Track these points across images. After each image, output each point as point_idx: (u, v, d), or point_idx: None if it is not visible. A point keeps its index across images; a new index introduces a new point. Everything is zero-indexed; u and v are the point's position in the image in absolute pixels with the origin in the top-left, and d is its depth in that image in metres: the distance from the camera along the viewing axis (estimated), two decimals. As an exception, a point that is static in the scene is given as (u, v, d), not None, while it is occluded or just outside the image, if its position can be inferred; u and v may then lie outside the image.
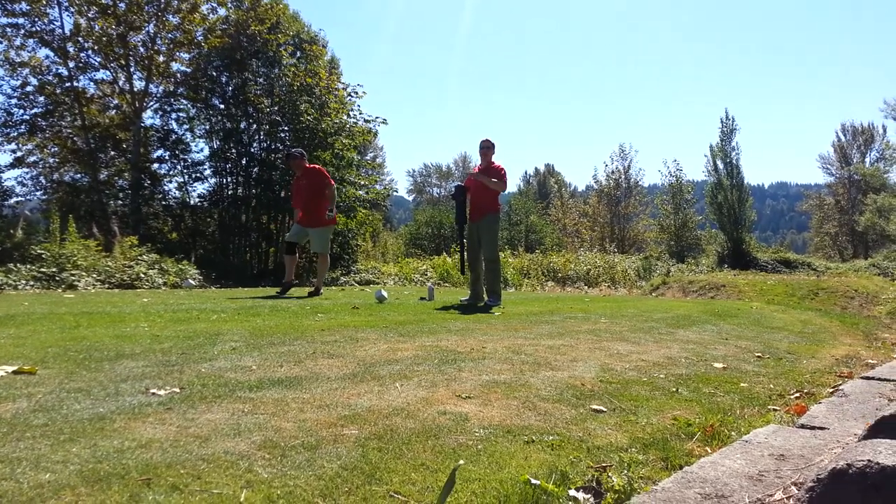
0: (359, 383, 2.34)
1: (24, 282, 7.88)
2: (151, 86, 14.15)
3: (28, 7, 12.59)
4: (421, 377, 2.49)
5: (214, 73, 14.56)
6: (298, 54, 15.40)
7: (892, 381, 2.77)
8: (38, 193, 14.87)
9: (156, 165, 15.09)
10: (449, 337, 3.65)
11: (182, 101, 14.75)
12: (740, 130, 27.32)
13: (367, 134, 15.06)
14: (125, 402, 1.91)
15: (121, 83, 14.14)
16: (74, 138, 14.25)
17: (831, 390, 2.72)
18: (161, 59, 13.97)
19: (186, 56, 14.38)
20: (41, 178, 14.97)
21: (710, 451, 1.77)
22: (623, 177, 38.51)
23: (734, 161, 26.98)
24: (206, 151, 15.15)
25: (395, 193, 43.95)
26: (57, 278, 8.28)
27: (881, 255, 26.49)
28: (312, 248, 7.29)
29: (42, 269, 8.31)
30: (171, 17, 13.65)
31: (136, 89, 13.86)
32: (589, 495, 1.41)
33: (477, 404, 2.12)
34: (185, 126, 15.06)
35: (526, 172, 67.62)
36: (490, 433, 1.80)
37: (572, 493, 1.40)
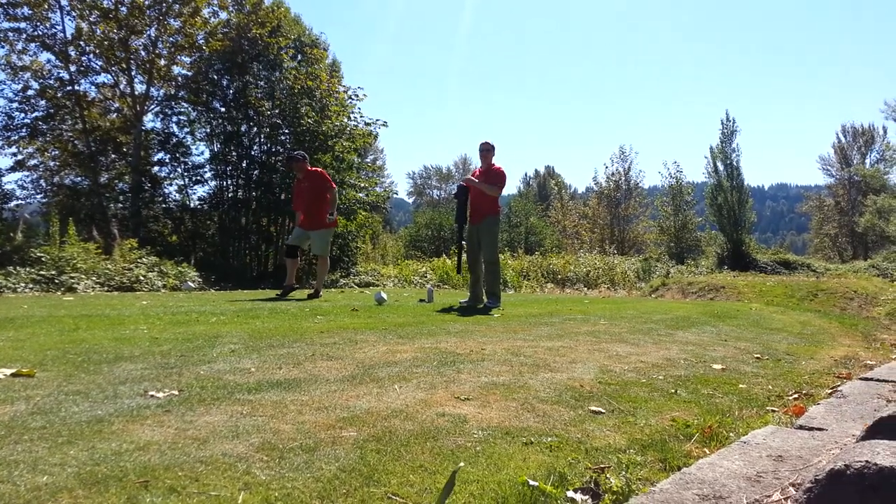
0: (357, 385, 2.34)
1: (23, 285, 7.88)
2: (152, 89, 14.20)
3: (30, 11, 12.63)
4: (420, 379, 2.49)
5: (215, 77, 14.60)
6: (299, 57, 15.44)
7: (891, 382, 2.77)
8: (38, 196, 14.93)
9: (156, 168, 15.14)
10: (448, 339, 3.65)
11: (183, 104, 14.79)
12: (741, 132, 27.36)
13: (367, 136, 15.09)
14: (123, 405, 1.92)
15: (122, 87, 14.19)
16: (75, 142, 14.28)
17: (830, 391, 2.72)
18: (162, 62, 14.01)
19: (188, 59, 14.43)
20: (41, 182, 15.02)
21: (708, 452, 1.77)
22: (623, 178, 38.50)
23: (734, 163, 26.98)
24: (207, 154, 15.21)
25: (394, 196, 43.93)
26: (56, 281, 8.29)
27: (881, 256, 26.45)
28: (312, 251, 7.30)
29: (41, 272, 8.32)
30: (172, 20, 13.70)
31: (137, 93, 13.90)
32: (587, 496, 1.41)
33: (476, 406, 2.12)
34: (186, 129, 15.11)
35: (526, 174, 67.67)
36: (489, 435, 1.80)
37: (570, 494, 1.40)
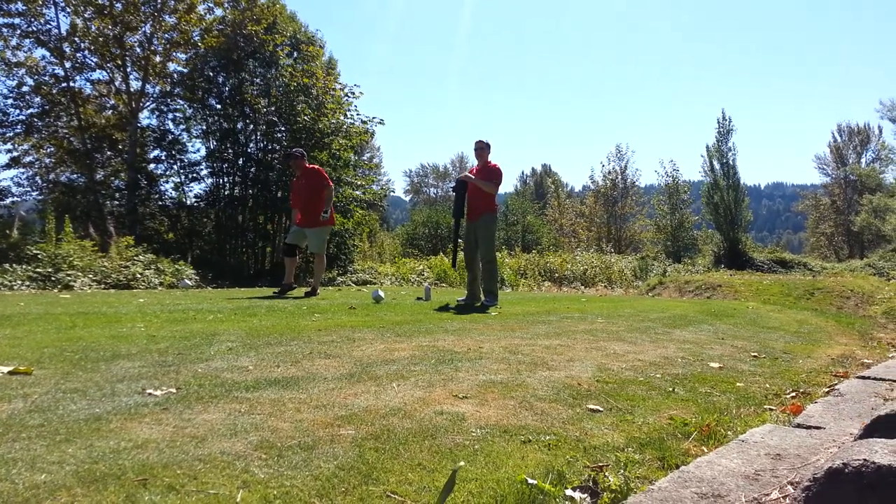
0: (355, 383, 2.33)
1: (19, 282, 7.85)
2: (148, 86, 14.11)
3: (24, 7, 12.53)
4: (418, 377, 2.49)
5: (211, 74, 14.53)
6: (295, 54, 15.39)
7: (888, 380, 2.79)
8: (34, 194, 14.82)
9: (152, 166, 15.05)
10: (446, 337, 3.65)
11: (179, 101, 14.71)
12: (737, 131, 27.47)
13: (364, 134, 15.06)
14: (121, 403, 1.91)
15: (117, 83, 14.10)
16: (71, 138, 14.20)
17: (827, 390, 2.73)
18: (158, 59, 13.93)
19: (183, 56, 14.35)
20: (37, 179, 14.91)
21: (706, 450, 1.78)
22: (620, 177, 38.57)
23: (730, 161, 27.09)
24: (203, 152, 15.15)
25: (392, 194, 43.88)
26: (53, 279, 8.25)
27: (877, 255, 26.57)
28: (309, 249, 7.29)
29: (38, 270, 8.28)
30: (167, 17, 13.62)
31: (132, 90, 13.82)
32: (585, 495, 1.41)
33: (474, 404, 2.12)
34: (182, 126, 15.04)
35: (523, 172, 67.81)
36: (487, 433, 1.80)
37: (569, 492, 1.41)
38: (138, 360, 2.56)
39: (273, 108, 14.38)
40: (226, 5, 14.20)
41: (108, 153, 14.74)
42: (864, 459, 1.19)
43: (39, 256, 8.56)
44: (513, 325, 4.40)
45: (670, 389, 2.55)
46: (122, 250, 9.86)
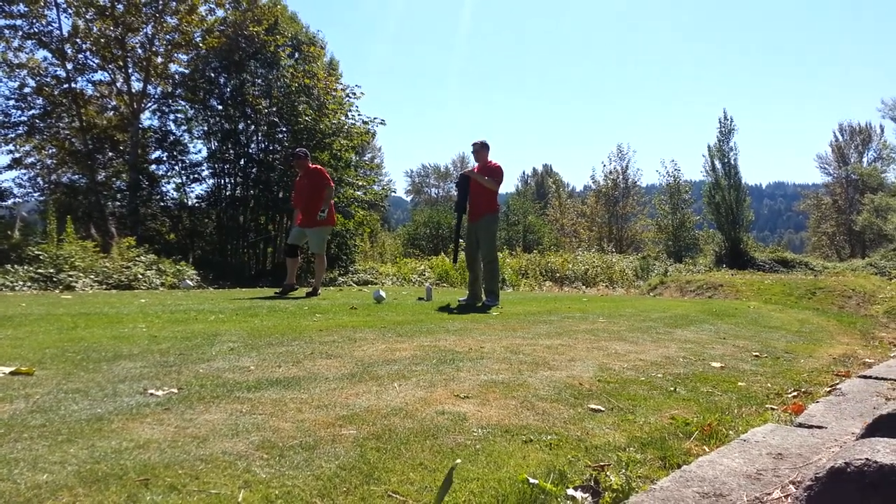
0: (357, 383, 2.33)
1: (21, 283, 7.86)
2: (149, 87, 14.13)
3: (26, 9, 12.55)
4: (419, 377, 2.49)
5: (212, 75, 14.54)
6: (297, 55, 15.40)
7: (890, 379, 2.78)
8: (35, 195, 14.85)
9: (154, 166, 15.07)
10: (447, 337, 3.65)
11: (180, 102, 14.73)
12: (738, 131, 27.41)
13: (365, 135, 15.08)
14: (123, 403, 1.91)
15: (119, 84, 14.12)
16: (72, 139, 14.22)
17: (829, 389, 2.73)
18: (159, 60, 13.95)
19: (184, 57, 14.36)
20: (39, 180, 14.95)
21: (708, 450, 1.78)
22: (621, 177, 38.56)
23: (732, 161, 27.05)
24: (204, 152, 15.15)
25: (393, 194, 43.95)
26: (54, 279, 8.27)
27: (878, 254, 26.51)
28: (310, 249, 7.29)
29: (39, 271, 8.30)
30: (169, 18, 13.63)
31: (134, 91, 13.84)
32: (587, 494, 1.41)
33: (475, 404, 2.12)
34: (183, 127, 15.05)
35: (524, 173, 67.77)
36: (488, 433, 1.80)
37: (570, 492, 1.41)
38: (140, 361, 2.57)
39: (274, 109, 14.40)
40: (227, 6, 14.21)
41: (110, 154, 14.76)
42: (867, 459, 1.19)
43: (41, 257, 8.57)
44: (514, 325, 4.40)
45: (672, 389, 2.55)
46: (123, 251, 9.87)
